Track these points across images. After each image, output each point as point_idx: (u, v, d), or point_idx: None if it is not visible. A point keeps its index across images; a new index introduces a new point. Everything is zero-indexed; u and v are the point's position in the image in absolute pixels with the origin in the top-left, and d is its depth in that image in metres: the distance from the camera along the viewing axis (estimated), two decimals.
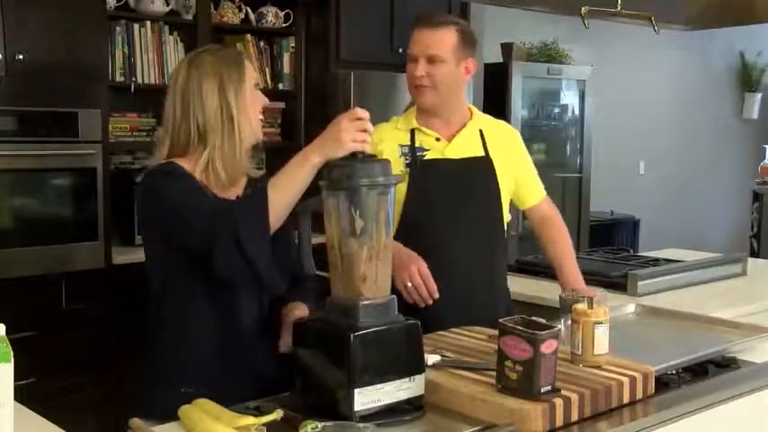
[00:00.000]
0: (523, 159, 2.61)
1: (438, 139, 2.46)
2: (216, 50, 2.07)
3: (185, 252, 1.87)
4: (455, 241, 2.41)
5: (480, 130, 2.51)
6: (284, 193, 1.79)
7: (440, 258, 2.37)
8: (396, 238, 2.32)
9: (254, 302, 1.98)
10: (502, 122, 2.67)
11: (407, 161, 2.44)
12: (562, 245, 2.62)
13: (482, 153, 2.49)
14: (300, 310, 1.98)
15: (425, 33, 2.42)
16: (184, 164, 1.95)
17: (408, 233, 2.36)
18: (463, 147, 2.47)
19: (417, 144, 2.46)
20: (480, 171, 2.47)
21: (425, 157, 2.45)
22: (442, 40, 2.41)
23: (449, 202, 2.42)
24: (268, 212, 1.77)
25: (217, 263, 1.78)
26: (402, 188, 2.38)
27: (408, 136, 2.47)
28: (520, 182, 2.58)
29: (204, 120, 1.95)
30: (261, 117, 2.02)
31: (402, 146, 2.46)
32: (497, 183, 2.48)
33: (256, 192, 1.84)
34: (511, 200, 2.60)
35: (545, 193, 2.67)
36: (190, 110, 1.95)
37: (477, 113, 2.56)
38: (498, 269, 2.57)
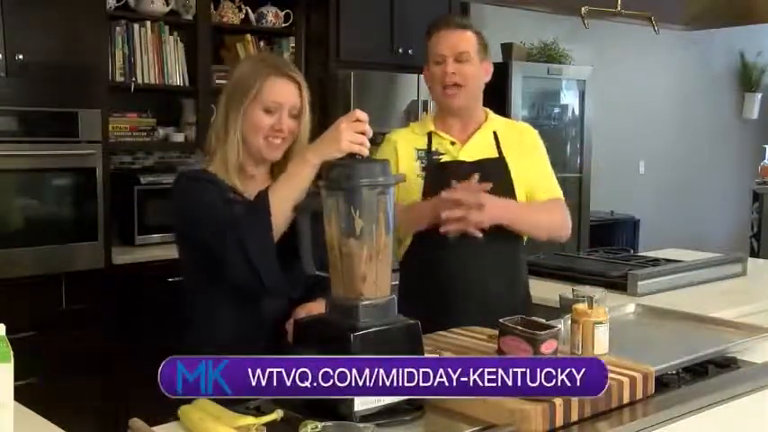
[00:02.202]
0: (538, 158, 2.58)
1: (453, 143, 2.50)
2: (255, 60, 2.14)
3: (205, 252, 1.92)
4: (471, 242, 2.41)
5: (495, 132, 2.53)
6: (285, 197, 1.83)
7: (456, 260, 2.39)
8: (413, 240, 2.46)
9: (278, 303, 2.01)
10: (519, 123, 2.71)
11: (423, 164, 2.48)
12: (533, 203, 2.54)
13: (496, 154, 2.50)
14: (316, 307, 1.98)
15: (450, 34, 2.46)
16: (214, 168, 2.02)
17: (425, 235, 2.41)
18: (476, 149, 2.50)
19: (433, 148, 2.50)
20: (493, 172, 2.46)
21: (440, 160, 2.49)
22: (467, 39, 2.47)
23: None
24: (271, 221, 1.82)
25: (227, 272, 1.86)
26: (418, 191, 2.44)
27: (425, 140, 2.51)
28: (533, 179, 2.54)
29: (215, 128, 2.04)
30: (262, 140, 2.01)
31: (418, 150, 2.50)
32: (512, 183, 2.48)
33: (259, 200, 1.87)
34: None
35: (560, 197, 2.58)
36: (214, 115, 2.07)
37: (493, 116, 2.58)
38: (516, 269, 2.55)
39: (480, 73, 2.49)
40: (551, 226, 2.53)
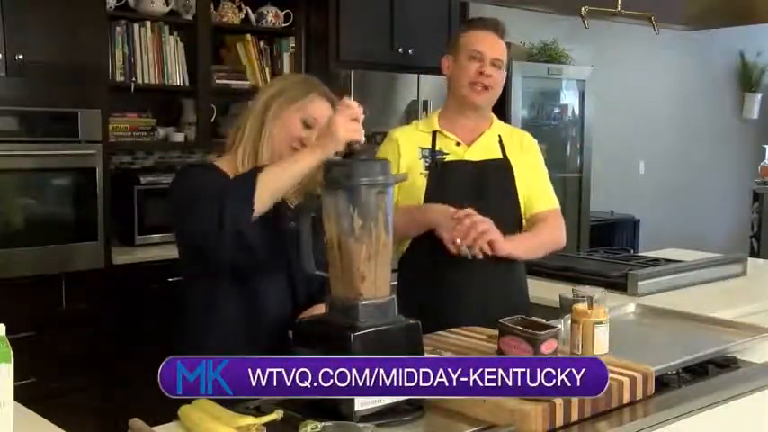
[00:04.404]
0: (537, 166, 2.61)
1: (458, 144, 2.51)
2: (305, 77, 2.24)
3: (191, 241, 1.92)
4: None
5: (499, 136, 2.56)
6: (276, 178, 1.83)
7: (455, 260, 2.38)
8: (416, 238, 2.47)
9: (279, 299, 2.01)
10: (521, 131, 2.72)
11: (427, 163, 2.49)
12: (533, 230, 2.53)
13: (500, 156, 2.53)
14: (318, 309, 1.98)
15: (493, 37, 2.50)
16: (221, 163, 2.03)
17: (428, 233, 2.42)
18: (482, 150, 2.52)
19: (438, 148, 2.51)
20: (498, 172, 2.51)
21: (445, 160, 2.50)
22: (504, 48, 2.51)
23: (467, 202, 2.43)
24: (255, 190, 1.80)
25: (192, 228, 1.85)
26: (422, 189, 2.46)
27: (429, 138, 2.52)
28: (532, 187, 2.56)
29: (245, 126, 2.04)
30: (289, 149, 2.01)
31: (422, 148, 2.51)
32: (514, 184, 2.51)
33: (250, 171, 1.89)
34: None
35: (557, 206, 2.59)
36: (244, 115, 2.07)
37: (497, 122, 2.61)
38: (516, 270, 2.55)
39: (503, 83, 2.53)
40: (550, 247, 2.58)
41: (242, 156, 2.02)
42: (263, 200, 1.81)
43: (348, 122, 1.77)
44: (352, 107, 1.79)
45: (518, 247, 2.44)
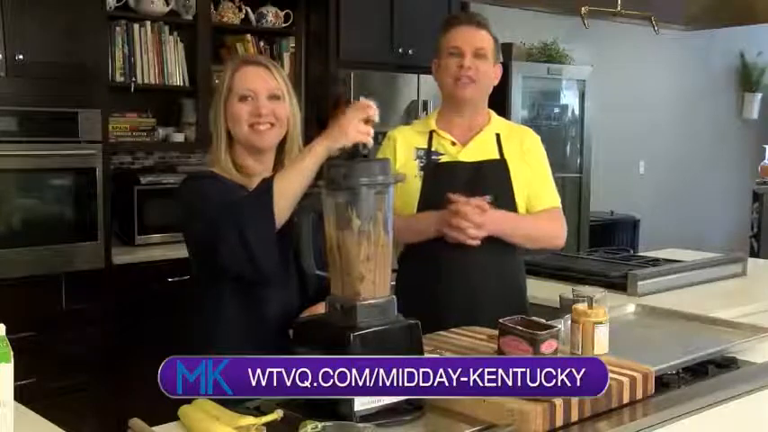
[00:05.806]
0: (538, 163, 2.56)
1: (453, 144, 2.49)
2: (232, 59, 2.16)
3: (199, 249, 1.92)
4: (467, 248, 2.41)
5: (497, 134, 2.52)
6: (289, 183, 1.82)
7: (452, 259, 2.39)
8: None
9: (285, 303, 2.00)
10: (523, 128, 2.68)
11: (422, 164, 2.47)
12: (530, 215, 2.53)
13: (497, 156, 2.49)
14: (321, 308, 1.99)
15: (470, 30, 2.48)
16: (217, 168, 2.05)
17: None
18: (477, 150, 2.49)
19: (433, 148, 2.50)
20: (493, 173, 2.47)
21: (440, 161, 2.48)
22: (485, 38, 2.48)
23: None
24: (273, 204, 1.81)
25: (221, 256, 1.84)
26: (416, 191, 2.45)
27: (426, 139, 2.51)
28: (532, 186, 2.52)
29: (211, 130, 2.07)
30: (247, 129, 2.02)
31: (418, 149, 2.50)
32: (511, 185, 2.47)
33: (263, 184, 1.87)
34: None
35: (557, 205, 2.56)
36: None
37: (497, 118, 2.57)
38: (512, 271, 2.53)
39: (491, 73, 2.50)
40: (546, 237, 2.55)
41: (216, 158, 2.04)
42: (281, 212, 1.82)
43: (361, 123, 1.77)
44: (371, 108, 1.79)
45: (506, 222, 2.43)
